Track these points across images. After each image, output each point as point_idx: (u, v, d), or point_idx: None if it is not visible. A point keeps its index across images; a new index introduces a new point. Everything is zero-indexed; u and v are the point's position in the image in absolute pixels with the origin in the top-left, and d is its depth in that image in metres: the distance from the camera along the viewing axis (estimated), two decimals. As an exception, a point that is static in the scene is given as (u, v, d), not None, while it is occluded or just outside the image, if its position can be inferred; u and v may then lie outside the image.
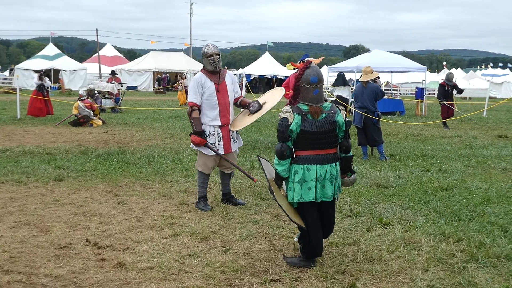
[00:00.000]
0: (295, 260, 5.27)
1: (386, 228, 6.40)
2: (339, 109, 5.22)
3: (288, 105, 5.22)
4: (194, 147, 7.28)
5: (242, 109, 7.57)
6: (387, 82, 44.49)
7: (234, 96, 7.41)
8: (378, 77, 13.00)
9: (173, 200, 7.75)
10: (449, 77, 20.07)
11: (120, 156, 11.48)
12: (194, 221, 6.70)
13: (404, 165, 10.75)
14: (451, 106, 19.39)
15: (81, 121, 17.96)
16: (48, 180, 8.95)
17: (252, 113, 7.26)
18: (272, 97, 7.49)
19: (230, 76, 7.46)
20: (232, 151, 7.41)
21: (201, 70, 7.41)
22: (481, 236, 5.94)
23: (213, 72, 7.23)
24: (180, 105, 28.28)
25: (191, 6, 73.82)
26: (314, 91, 5.09)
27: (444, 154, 12.32)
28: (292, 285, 4.78)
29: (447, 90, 19.46)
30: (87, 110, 18.24)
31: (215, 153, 7.18)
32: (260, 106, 7.24)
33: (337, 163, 5.20)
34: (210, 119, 7.19)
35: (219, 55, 7.23)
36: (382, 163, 10.99)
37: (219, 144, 7.23)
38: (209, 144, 7.16)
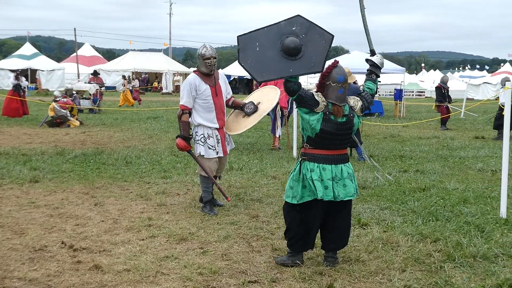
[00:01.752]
0: (284, 258, 5.27)
1: (364, 228, 6.41)
2: (354, 109, 5.22)
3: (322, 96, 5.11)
4: (197, 152, 7.09)
5: (233, 110, 7.47)
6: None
7: (226, 97, 7.31)
8: (356, 81, 13.06)
9: (151, 202, 7.69)
10: (444, 80, 20.51)
11: (97, 157, 11.37)
12: (172, 222, 6.65)
13: (383, 166, 10.79)
14: (450, 107, 19.97)
15: (58, 122, 17.77)
16: (24, 182, 8.83)
17: (249, 115, 7.18)
18: (266, 97, 7.36)
19: (223, 77, 7.32)
20: (227, 153, 7.37)
21: (194, 71, 7.21)
22: (458, 236, 5.98)
23: (208, 74, 7.05)
24: (120, 106, 27.81)
25: (170, 6, 73.62)
26: (339, 90, 5.08)
27: (422, 155, 12.41)
28: (270, 286, 4.76)
29: (444, 92, 19.85)
30: (63, 110, 18.04)
31: (215, 156, 7.06)
32: (256, 107, 7.17)
33: (350, 163, 5.25)
34: (208, 121, 7.03)
35: (216, 58, 7.03)
36: (361, 164, 11.03)
37: (218, 146, 7.09)
38: (192, 152, 7.06)
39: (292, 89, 4.99)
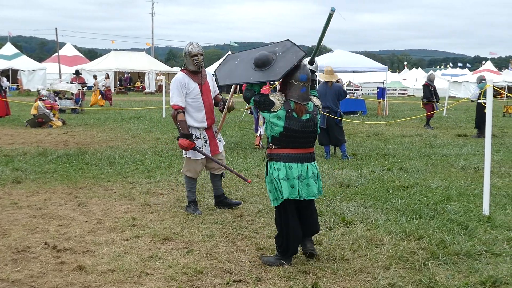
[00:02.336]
0: (271, 259, 5.26)
1: (349, 227, 6.43)
2: (319, 109, 5.31)
3: (283, 94, 5.21)
4: (184, 154, 7.07)
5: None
6: (349, 82, 44.86)
7: (213, 94, 7.19)
8: (339, 80, 13.07)
9: (135, 202, 7.65)
10: (431, 78, 20.48)
11: (80, 157, 11.29)
12: (156, 222, 6.62)
13: (366, 164, 10.84)
14: (435, 106, 19.96)
15: (39, 121, 17.61)
16: (6, 183, 8.74)
17: (222, 111, 7.09)
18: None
19: (210, 75, 7.19)
20: (220, 151, 7.21)
21: (181, 69, 7.09)
22: (442, 234, 6.02)
23: (195, 72, 6.94)
24: (91, 106, 27.56)
25: (152, 5, 73.16)
26: (301, 89, 5.14)
27: (405, 153, 12.48)
28: (255, 285, 4.75)
29: (431, 90, 19.85)
30: (47, 110, 17.89)
31: (202, 157, 6.95)
32: (224, 100, 7.08)
33: (316, 162, 5.30)
34: (197, 122, 6.92)
35: (203, 55, 6.91)
36: (345, 163, 11.07)
37: (205, 146, 6.99)
38: (198, 148, 6.89)
39: (245, 95, 5.25)
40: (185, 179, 7.25)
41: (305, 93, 5.16)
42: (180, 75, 6.97)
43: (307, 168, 5.16)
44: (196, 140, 6.95)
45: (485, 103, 15.18)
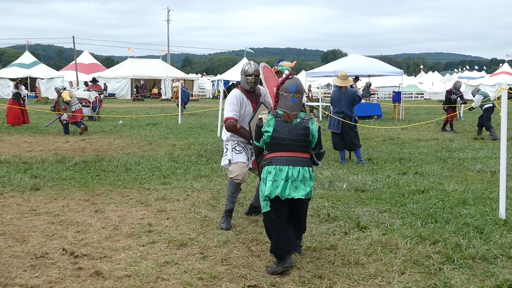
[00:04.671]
0: (274, 267, 5.26)
1: (364, 231, 6.43)
2: (314, 119, 5.42)
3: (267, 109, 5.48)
4: (225, 163, 6.75)
5: None
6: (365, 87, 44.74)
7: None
8: (353, 85, 13.03)
9: (151, 208, 7.72)
10: (457, 86, 20.21)
11: (97, 164, 11.40)
12: (172, 228, 6.67)
13: (382, 169, 10.82)
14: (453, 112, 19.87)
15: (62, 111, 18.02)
16: (24, 190, 8.86)
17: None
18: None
19: (264, 94, 6.97)
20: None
21: (237, 86, 6.95)
22: (457, 238, 6.00)
23: (249, 92, 6.79)
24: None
25: (168, 12, 73.71)
26: (291, 100, 5.30)
27: (421, 157, 12.43)
28: (270, 290, 4.78)
29: (451, 97, 19.62)
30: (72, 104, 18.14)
31: (243, 160, 6.66)
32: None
33: (310, 168, 5.33)
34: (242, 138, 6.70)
35: (258, 76, 6.72)
36: (360, 167, 11.06)
37: (251, 158, 6.77)
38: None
39: (256, 151, 5.61)
40: (228, 185, 6.93)
41: (295, 104, 5.32)
42: (236, 91, 6.82)
43: (299, 171, 5.21)
44: (238, 145, 6.75)
45: (494, 106, 15.33)
